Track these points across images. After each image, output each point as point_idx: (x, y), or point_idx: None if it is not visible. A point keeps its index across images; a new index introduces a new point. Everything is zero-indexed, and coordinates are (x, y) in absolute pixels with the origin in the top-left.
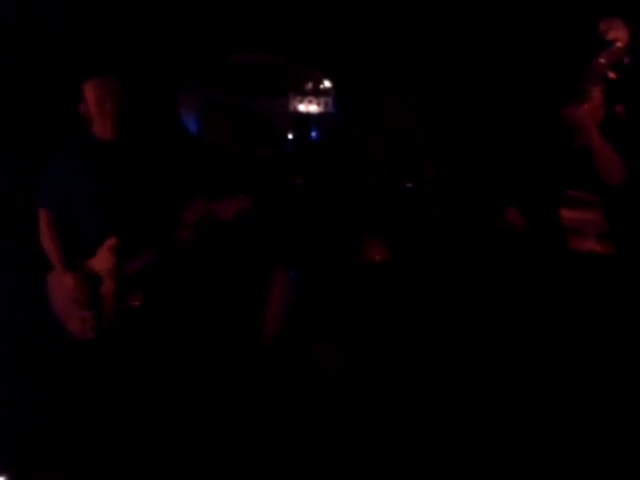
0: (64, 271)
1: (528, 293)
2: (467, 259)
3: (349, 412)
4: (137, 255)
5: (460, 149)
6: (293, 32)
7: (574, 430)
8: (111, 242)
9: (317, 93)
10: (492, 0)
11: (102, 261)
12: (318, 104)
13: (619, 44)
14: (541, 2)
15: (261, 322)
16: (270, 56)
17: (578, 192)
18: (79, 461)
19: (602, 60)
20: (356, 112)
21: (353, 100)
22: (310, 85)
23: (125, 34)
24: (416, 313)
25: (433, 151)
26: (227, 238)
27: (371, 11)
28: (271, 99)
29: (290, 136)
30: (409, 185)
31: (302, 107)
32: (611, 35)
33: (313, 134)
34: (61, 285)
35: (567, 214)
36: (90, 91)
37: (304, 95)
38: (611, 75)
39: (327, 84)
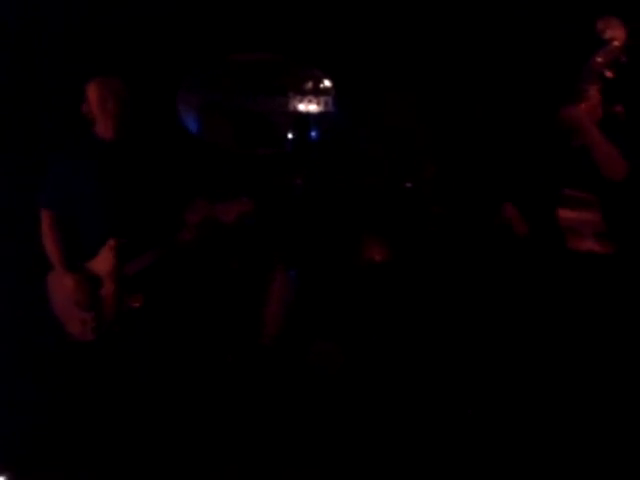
0: (64, 272)
1: (527, 293)
2: (467, 259)
3: (349, 412)
4: (138, 256)
5: (460, 149)
6: (293, 32)
7: (574, 430)
8: (112, 243)
9: (317, 93)
10: (491, 0)
11: (103, 262)
12: (318, 104)
13: (616, 43)
14: (539, 2)
15: (261, 322)
16: (270, 55)
17: (576, 192)
18: (79, 461)
19: (599, 59)
20: (356, 112)
21: (353, 100)
22: (310, 84)
23: (125, 34)
24: (416, 313)
25: (433, 151)
26: (227, 238)
27: (371, 11)
28: (271, 99)
29: (290, 136)
30: (409, 185)
31: (302, 107)
32: (608, 34)
33: (313, 134)
34: (61, 286)
35: (565, 214)
36: (93, 91)
37: (304, 95)
38: (608, 74)
39: (327, 83)
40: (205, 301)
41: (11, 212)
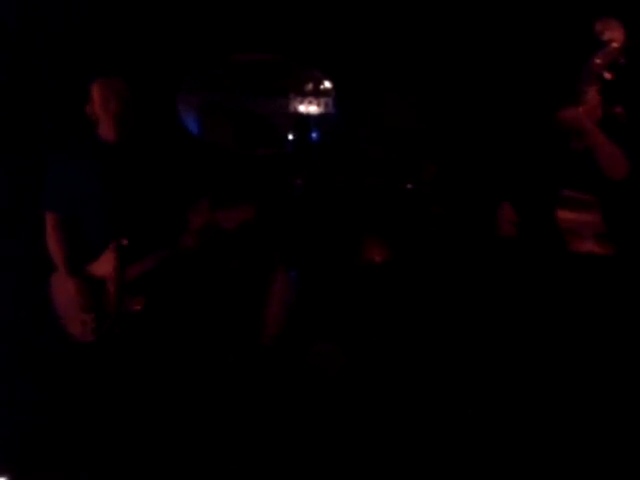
0: (67, 274)
1: (527, 293)
2: (467, 259)
3: (349, 413)
4: (140, 259)
5: (460, 150)
6: (293, 32)
7: (574, 430)
8: (114, 245)
9: (317, 94)
10: (490, 1)
11: (105, 264)
12: (318, 105)
13: (615, 44)
14: (538, 3)
15: (261, 322)
16: (270, 56)
17: (575, 193)
18: (79, 461)
19: (598, 61)
20: (356, 113)
21: (353, 101)
22: (310, 86)
23: (125, 34)
24: (416, 313)
25: (433, 152)
26: (228, 242)
27: (371, 11)
28: (271, 100)
29: (290, 137)
30: (409, 186)
31: (302, 108)
32: (607, 35)
33: (313, 135)
34: (64, 287)
35: (564, 215)
36: (96, 91)
37: (304, 96)
38: (607, 76)
39: (327, 85)
40: (205, 301)
41: (11, 212)
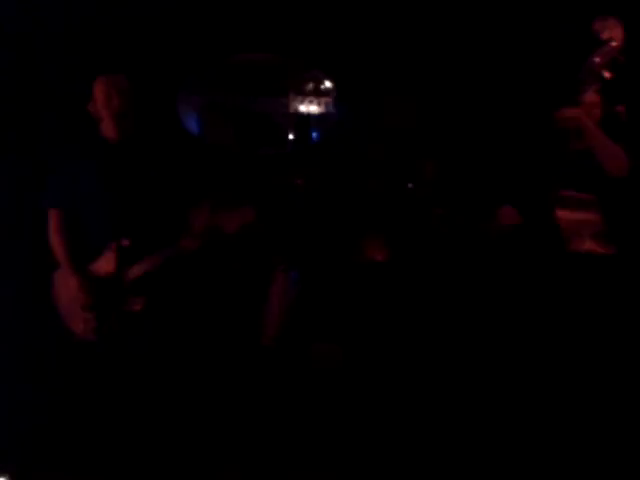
0: (70, 272)
1: (527, 293)
2: (467, 259)
3: (349, 413)
4: (141, 259)
5: (460, 150)
6: (294, 32)
7: (574, 430)
8: (114, 245)
9: (318, 93)
10: (489, 2)
11: (106, 263)
12: (319, 104)
13: (614, 43)
14: (537, 3)
15: (261, 323)
16: (271, 56)
17: (574, 192)
18: (79, 461)
19: (597, 59)
20: (357, 113)
21: (354, 101)
22: (311, 85)
23: (126, 34)
24: (417, 313)
25: (434, 152)
26: (229, 244)
27: (372, 12)
28: (272, 99)
29: (291, 136)
30: (410, 186)
31: (303, 107)
32: (606, 34)
33: (314, 134)
34: (66, 285)
35: (564, 215)
36: (99, 88)
37: (305, 95)
38: (606, 74)
39: (328, 84)
40: (206, 302)
41: (11, 212)
